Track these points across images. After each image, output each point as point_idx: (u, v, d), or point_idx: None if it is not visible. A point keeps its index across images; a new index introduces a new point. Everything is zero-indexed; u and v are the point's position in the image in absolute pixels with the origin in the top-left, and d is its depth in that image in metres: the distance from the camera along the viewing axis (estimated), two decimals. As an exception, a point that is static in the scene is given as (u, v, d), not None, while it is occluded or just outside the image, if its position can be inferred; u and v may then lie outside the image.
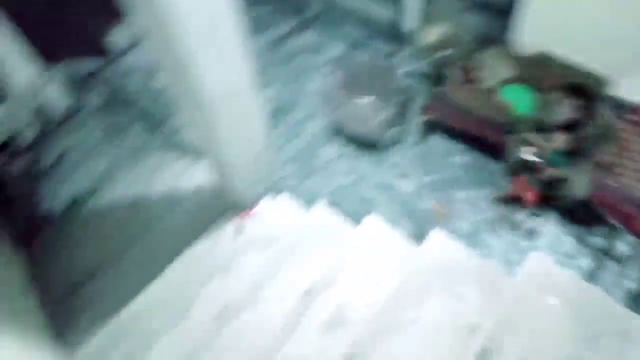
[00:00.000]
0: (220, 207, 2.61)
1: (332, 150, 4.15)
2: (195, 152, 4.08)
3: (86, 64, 4.77)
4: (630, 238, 3.36)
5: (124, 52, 4.89)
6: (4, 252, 3.23)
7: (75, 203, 3.89)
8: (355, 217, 3.70)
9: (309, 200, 3.80)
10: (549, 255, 3.35)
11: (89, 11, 4.28)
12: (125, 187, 3.65)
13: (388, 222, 3.36)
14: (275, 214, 2.29)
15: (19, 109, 3.93)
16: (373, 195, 3.87)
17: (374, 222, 2.01)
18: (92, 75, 4.72)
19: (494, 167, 3.90)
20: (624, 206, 3.09)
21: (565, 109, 2.89)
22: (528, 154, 3.08)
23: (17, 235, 3.71)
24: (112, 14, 4.88)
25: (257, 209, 2.40)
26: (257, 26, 5.14)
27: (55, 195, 4.00)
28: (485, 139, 3.65)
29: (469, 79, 3.79)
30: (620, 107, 3.43)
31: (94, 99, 4.54)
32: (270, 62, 4.84)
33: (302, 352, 1.56)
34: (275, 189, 3.04)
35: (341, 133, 4.18)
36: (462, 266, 1.69)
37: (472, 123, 3.64)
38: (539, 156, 3.05)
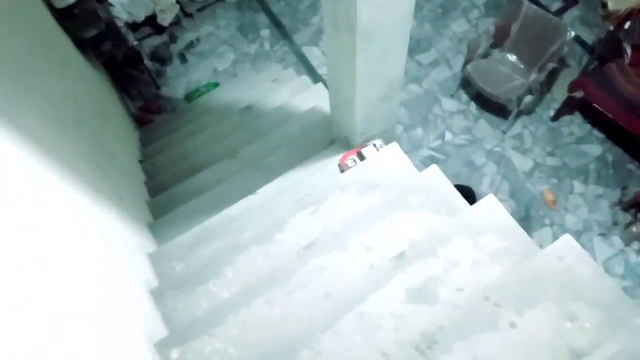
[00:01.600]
0: (328, 137, 2.56)
1: (453, 103, 3.88)
2: (318, 73, 4.03)
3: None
4: None
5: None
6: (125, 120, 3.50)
7: (198, 91, 4.06)
8: (455, 179, 3.54)
9: (413, 150, 3.69)
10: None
11: None
12: (243, 89, 3.71)
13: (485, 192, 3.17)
14: (382, 161, 2.19)
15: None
16: (482, 162, 3.63)
17: (491, 201, 1.84)
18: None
19: (632, 168, 3.45)
20: None
21: None
22: None
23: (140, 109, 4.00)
24: None
25: (366, 150, 2.31)
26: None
27: (183, 79, 4.19)
28: (633, 134, 3.17)
29: (642, 64, 3.22)
30: None
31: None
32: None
33: (379, 313, 1.53)
34: (388, 134, 2.93)
35: (469, 87, 3.84)
36: (584, 281, 1.51)
37: (624, 113, 3.16)
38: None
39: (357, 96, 1.98)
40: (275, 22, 4.41)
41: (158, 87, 4.11)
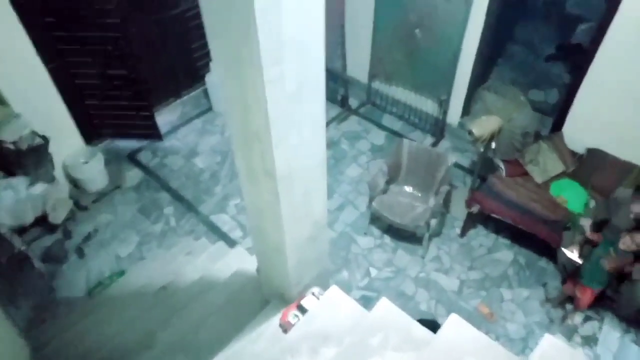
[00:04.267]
0: (260, 298, 2.38)
1: (368, 240, 3.97)
2: (231, 238, 3.93)
3: (128, 143, 4.80)
4: None
5: (169, 133, 4.95)
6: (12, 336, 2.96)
7: (101, 284, 3.66)
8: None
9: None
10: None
11: (138, 92, 4.39)
12: (154, 270, 3.43)
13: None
14: (327, 309, 2.05)
15: (57, 186, 3.85)
16: (412, 290, 3.62)
17: (454, 322, 1.75)
18: (135, 153, 4.73)
19: (544, 265, 3.69)
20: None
21: (636, 209, 2.72)
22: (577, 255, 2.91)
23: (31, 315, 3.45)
24: (165, 96, 5.07)
25: (306, 301, 2.17)
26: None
27: (82, 274, 3.78)
28: (534, 235, 3.46)
29: (517, 173, 3.69)
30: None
31: (132, 178, 4.50)
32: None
33: None
34: (321, 279, 2.83)
35: (378, 222, 4.02)
36: None
37: (520, 218, 3.48)
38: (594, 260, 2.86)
39: (286, 240, 1.91)
40: (178, 198, 4.37)
41: (52, 290, 3.63)
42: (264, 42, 1.29)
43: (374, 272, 3.76)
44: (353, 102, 5.29)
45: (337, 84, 5.18)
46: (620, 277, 2.92)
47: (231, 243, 3.87)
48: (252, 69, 1.38)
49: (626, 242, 2.76)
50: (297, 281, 2.20)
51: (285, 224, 1.83)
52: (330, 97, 5.30)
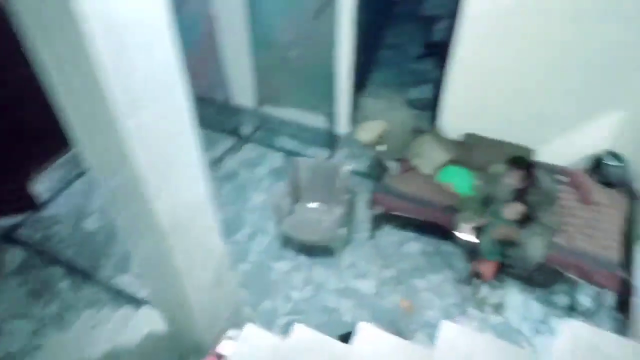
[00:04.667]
0: (177, 355, 2.25)
1: (284, 263, 3.95)
2: (137, 298, 3.68)
3: (4, 220, 4.32)
4: (590, 290, 3.41)
5: (48, 201, 4.52)
6: None
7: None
8: (322, 330, 3.45)
9: (270, 323, 3.53)
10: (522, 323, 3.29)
11: (10, 163, 3.96)
12: (56, 356, 3.09)
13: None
14: (245, 348, 1.99)
15: None
16: (335, 302, 3.66)
17: (364, 329, 1.79)
18: (11, 231, 4.25)
19: (448, 248, 3.91)
20: (577, 261, 3.17)
21: (510, 181, 3.01)
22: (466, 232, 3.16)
23: None
24: (35, 162, 4.61)
25: (222, 347, 2.09)
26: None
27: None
28: (434, 223, 3.69)
29: (408, 169, 3.90)
30: (551, 170, 3.67)
31: (11, 261, 4.04)
32: (211, 183, 4.71)
33: None
34: (236, 320, 2.75)
35: (291, 244, 4.02)
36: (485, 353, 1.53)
37: (418, 210, 3.68)
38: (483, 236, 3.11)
39: (189, 292, 1.84)
40: (72, 269, 3.99)
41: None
42: (115, 96, 1.23)
43: (295, 294, 3.74)
44: (245, 130, 5.27)
45: (225, 114, 5.14)
46: (512, 244, 3.20)
47: (139, 304, 3.62)
48: (107, 124, 1.31)
49: (509, 212, 3.03)
50: (209, 329, 2.12)
51: (184, 276, 1.76)
52: (221, 129, 5.25)
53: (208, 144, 5.19)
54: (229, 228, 4.26)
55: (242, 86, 4.97)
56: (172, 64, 1.46)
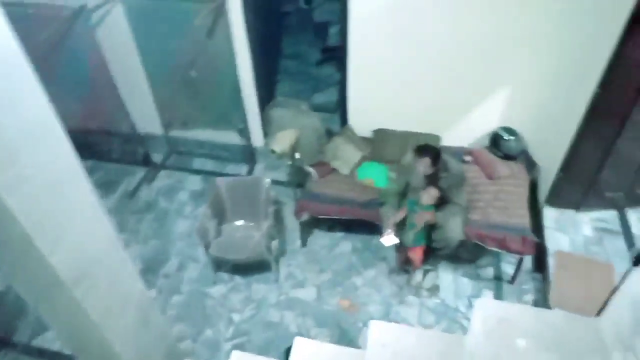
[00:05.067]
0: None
1: (219, 287, 3.85)
2: (63, 354, 3.39)
3: None
4: (510, 257, 3.69)
5: None
6: None
7: None
8: (270, 348, 3.42)
9: (214, 351, 3.42)
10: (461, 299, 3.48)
11: None
12: None
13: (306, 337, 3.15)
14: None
15: None
16: (279, 316, 3.63)
17: (299, 344, 1.79)
18: None
19: (377, 242, 4.00)
20: (493, 233, 3.40)
21: (420, 169, 3.16)
22: (388, 238, 3.31)
23: None
24: None
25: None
26: (106, 186, 4.83)
27: None
28: (359, 220, 3.78)
29: (327, 172, 3.97)
30: (456, 153, 3.92)
31: None
32: (130, 217, 4.48)
33: None
34: (173, 358, 2.62)
35: (224, 266, 3.92)
36: (415, 348, 1.59)
37: (343, 210, 3.77)
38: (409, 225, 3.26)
39: (112, 340, 1.72)
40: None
41: None
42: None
43: (236, 317, 3.65)
44: (157, 157, 5.07)
45: (133, 144, 4.91)
46: (433, 227, 3.36)
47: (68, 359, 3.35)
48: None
49: (425, 197, 3.18)
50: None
51: (102, 326, 1.64)
52: (132, 160, 5.00)
53: (120, 177, 4.94)
54: (156, 262, 4.07)
55: (145, 114, 4.77)
56: (45, 116, 1.38)
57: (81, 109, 4.61)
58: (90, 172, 4.96)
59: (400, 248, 3.60)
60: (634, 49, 2.83)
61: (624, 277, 1.66)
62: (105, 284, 1.66)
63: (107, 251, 1.68)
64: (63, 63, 4.26)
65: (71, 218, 1.50)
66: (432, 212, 3.25)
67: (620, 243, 3.47)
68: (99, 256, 1.62)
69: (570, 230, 3.60)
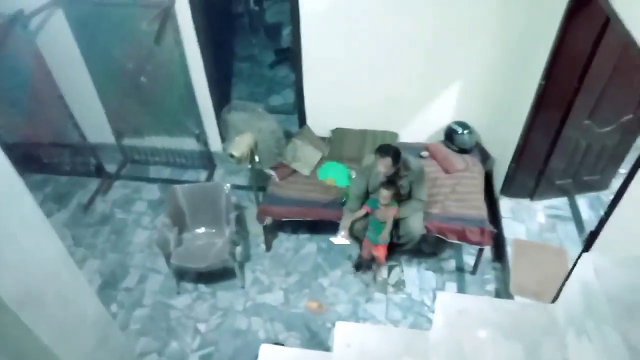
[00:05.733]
0: None
1: (183, 298, 3.76)
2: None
3: None
4: (471, 248, 3.79)
5: None
6: None
7: None
8: (238, 356, 3.36)
9: (181, 365, 3.34)
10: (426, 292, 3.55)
11: None
12: None
13: (270, 342, 3.12)
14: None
15: None
16: (246, 323, 3.59)
17: (266, 351, 1.77)
18: None
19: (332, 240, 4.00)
20: (452, 226, 3.48)
21: (381, 169, 3.19)
22: (340, 239, 3.35)
23: None
24: None
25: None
26: (58, 200, 4.63)
27: None
28: (323, 220, 3.78)
29: (288, 174, 3.94)
30: (413, 149, 3.98)
31: None
32: (85, 230, 4.30)
33: None
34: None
35: (187, 275, 3.83)
36: (378, 345, 1.60)
37: (306, 211, 3.76)
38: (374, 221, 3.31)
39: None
40: None
41: None
42: None
43: (202, 326, 3.57)
44: (111, 168, 4.88)
45: (85, 155, 4.71)
46: (395, 223, 3.40)
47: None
48: None
49: (383, 196, 3.22)
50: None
51: (56, 349, 1.56)
52: (83, 172, 4.80)
53: (73, 190, 4.75)
54: (115, 276, 3.93)
55: (95, 123, 4.58)
56: None
57: (26, 121, 4.37)
58: (41, 185, 4.74)
59: (363, 245, 3.62)
60: (573, 40, 2.96)
61: (575, 262, 1.73)
62: (56, 305, 1.57)
63: (56, 269, 1.60)
64: (2, 73, 4.03)
65: (11, 236, 1.41)
66: (395, 207, 3.29)
67: (571, 228, 3.63)
68: (47, 275, 1.54)
69: (525, 219, 3.74)
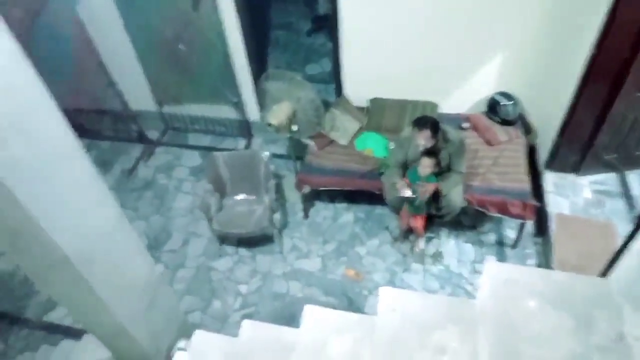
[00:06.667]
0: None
1: (225, 260, 3.88)
2: (75, 329, 3.44)
3: None
4: (511, 222, 3.73)
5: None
6: None
7: None
8: (278, 317, 3.48)
9: (223, 322, 3.48)
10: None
11: None
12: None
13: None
14: (197, 357, 1.94)
15: None
16: (285, 287, 3.69)
17: (313, 314, 1.83)
18: None
19: (379, 211, 4.05)
20: (494, 199, 3.43)
21: (419, 142, 3.15)
22: (403, 191, 3.27)
23: None
24: None
25: (177, 361, 2.02)
26: (102, 165, 4.77)
27: None
28: (361, 190, 3.79)
29: (326, 143, 3.95)
30: (454, 120, 3.90)
31: None
32: (129, 195, 4.47)
33: None
34: (183, 330, 2.67)
35: (228, 240, 3.95)
36: (421, 312, 1.63)
37: (344, 181, 3.77)
38: (413, 190, 3.26)
39: (123, 322, 1.73)
40: None
41: None
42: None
43: (243, 288, 3.70)
44: (152, 134, 5.01)
45: (127, 122, 4.84)
46: (435, 196, 3.37)
47: (78, 335, 3.38)
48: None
49: (425, 165, 3.19)
50: (157, 347, 2.03)
51: (111, 306, 1.65)
52: (126, 138, 4.95)
53: (115, 156, 4.90)
54: (159, 239, 4.09)
55: (136, 90, 4.68)
56: (35, 97, 1.34)
57: (68, 88, 4.49)
58: (85, 151, 4.90)
59: (401, 216, 3.62)
60: (628, 8, 2.79)
61: (629, 237, 1.69)
62: (112, 264, 1.66)
63: (113, 228, 1.67)
64: (43, 41, 4.12)
65: (73, 195, 1.48)
66: (435, 184, 3.25)
67: (620, 204, 3.52)
68: (104, 236, 1.61)
69: (570, 194, 3.64)
